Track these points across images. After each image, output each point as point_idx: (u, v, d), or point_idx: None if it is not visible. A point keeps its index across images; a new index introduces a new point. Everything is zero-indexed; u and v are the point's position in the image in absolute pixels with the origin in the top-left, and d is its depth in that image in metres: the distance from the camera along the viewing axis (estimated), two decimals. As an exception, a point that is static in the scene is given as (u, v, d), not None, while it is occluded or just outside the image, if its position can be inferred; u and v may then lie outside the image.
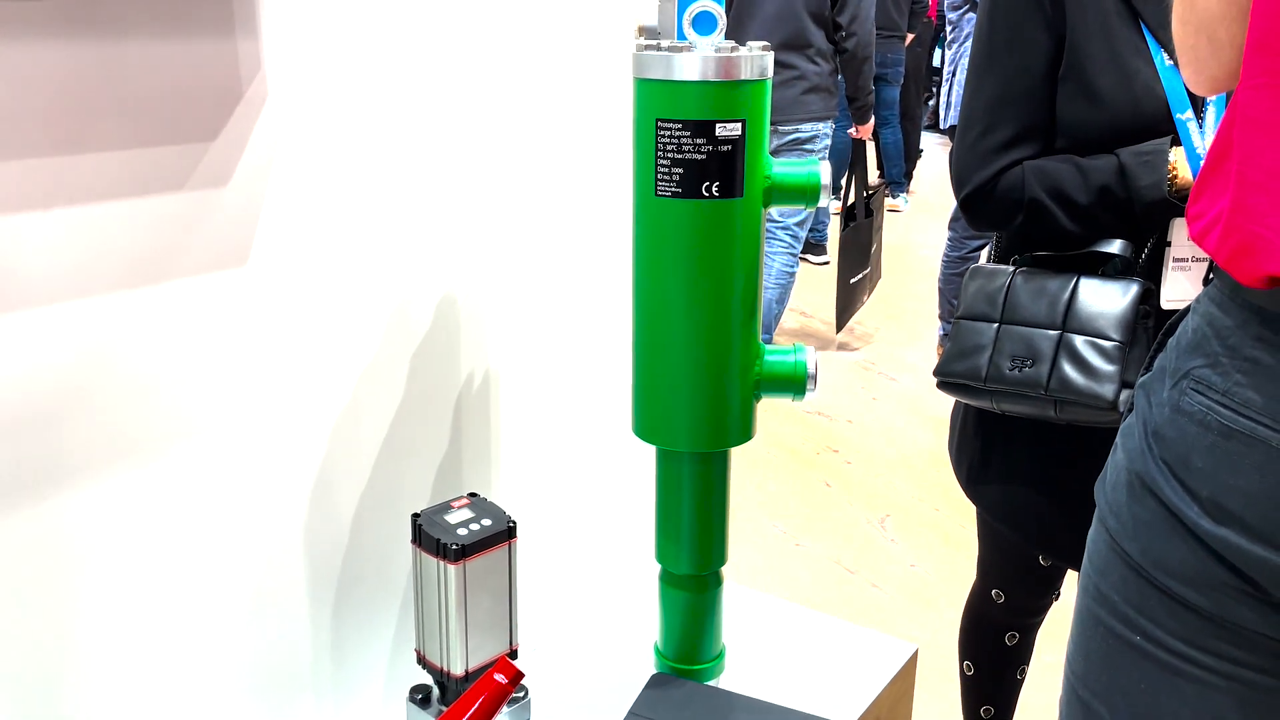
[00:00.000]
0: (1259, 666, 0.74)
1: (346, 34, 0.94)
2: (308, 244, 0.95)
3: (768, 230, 3.87)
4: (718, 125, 0.92)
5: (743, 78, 0.92)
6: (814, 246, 5.65)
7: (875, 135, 7.06)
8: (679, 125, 0.93)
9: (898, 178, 6.94)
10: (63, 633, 0.84)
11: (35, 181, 0.76)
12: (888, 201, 7.10)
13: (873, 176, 7.61)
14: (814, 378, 1.03)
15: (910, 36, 6.39)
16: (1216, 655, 0.75)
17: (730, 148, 0.93)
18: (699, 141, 0.93)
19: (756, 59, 0.93)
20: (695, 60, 0.91)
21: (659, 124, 0.94)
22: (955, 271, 3.80)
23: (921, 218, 6.75)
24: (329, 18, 0.92)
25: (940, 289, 4.02)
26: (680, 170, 0.94)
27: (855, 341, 4.49)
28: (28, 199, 0.76)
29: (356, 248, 0.99)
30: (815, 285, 5.29)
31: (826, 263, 5.66)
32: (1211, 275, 0.77)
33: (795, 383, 1.03)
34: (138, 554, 0.88)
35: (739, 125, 0.93)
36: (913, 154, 7.14)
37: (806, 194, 0.99)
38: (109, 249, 0.81)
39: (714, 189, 0.94)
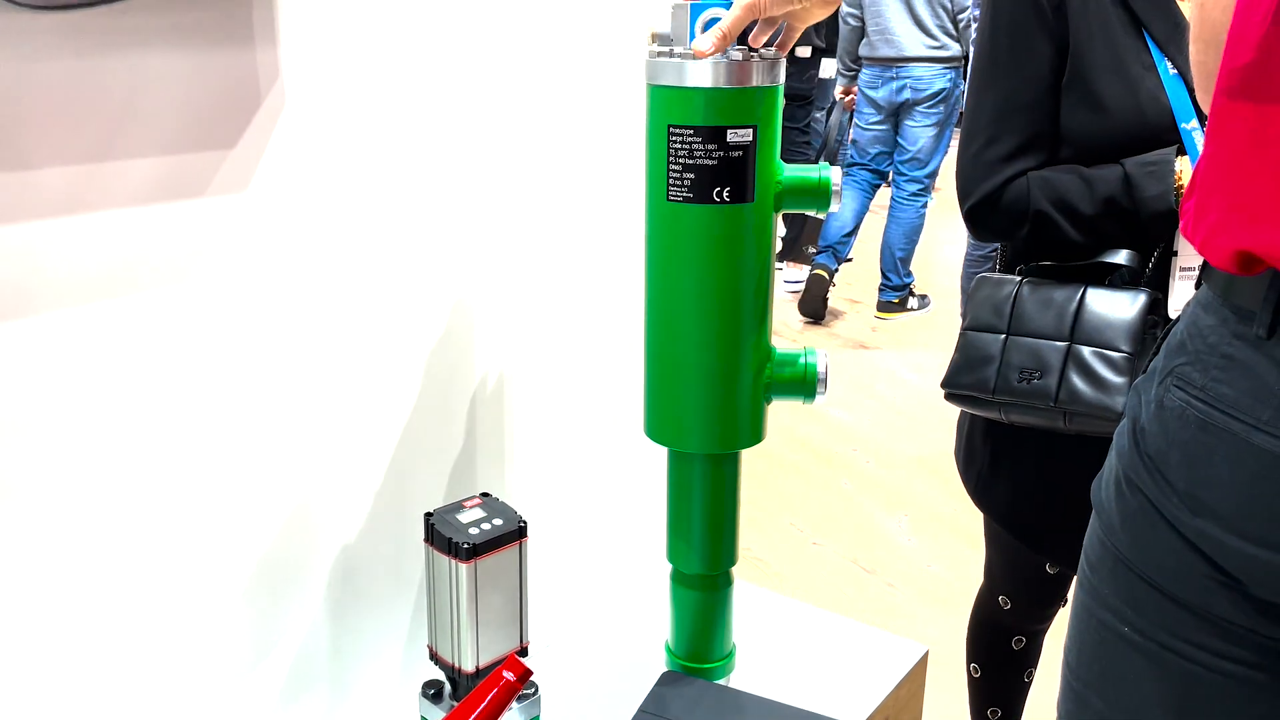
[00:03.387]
0: (1241, 659, 0.75)
1: (362, 43, 0.96)
2: (324, 247, 0.97)
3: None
4: (729, 131, 0.93)
5: (754, 84, 0.93)
6: (836, 244, 5.62)
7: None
8: (690, 131, 0.94)
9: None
10: (86, 627, 0.86)
11: (61, 188, 0.78)
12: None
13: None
14: (824, 381, 1.03)
15: None
16: (1200, 647, 0.76)
17: (741, 153, 0.94)
18: (710, 147, 0.94)
19: (768, 65, 0.94)
20: (707, 66, 0.92)
21: (671, 129, 0.95)
22: (977, 270, 3.80)
23: (946, 214, 6.69)
24: (345, 28, 0.94)
25: (963, 288, 4.00)
26: (691, 175, 0.95)
27: (876, 340, 4.48)
28: (55, 205, 0.78)
29: (372, 251, 1.01)
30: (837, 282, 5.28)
31: (849, 259, 5.63)
32: (1200, 280, 0.78)
33: (805, 386, 1.03)
34: (160, 551, 0.89)
35: (750, 131, 0.94)
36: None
37: (818, 198, 1.00)
38: (133, 253, 0.83)
39: (725, 194, 0.95)
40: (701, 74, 0.92)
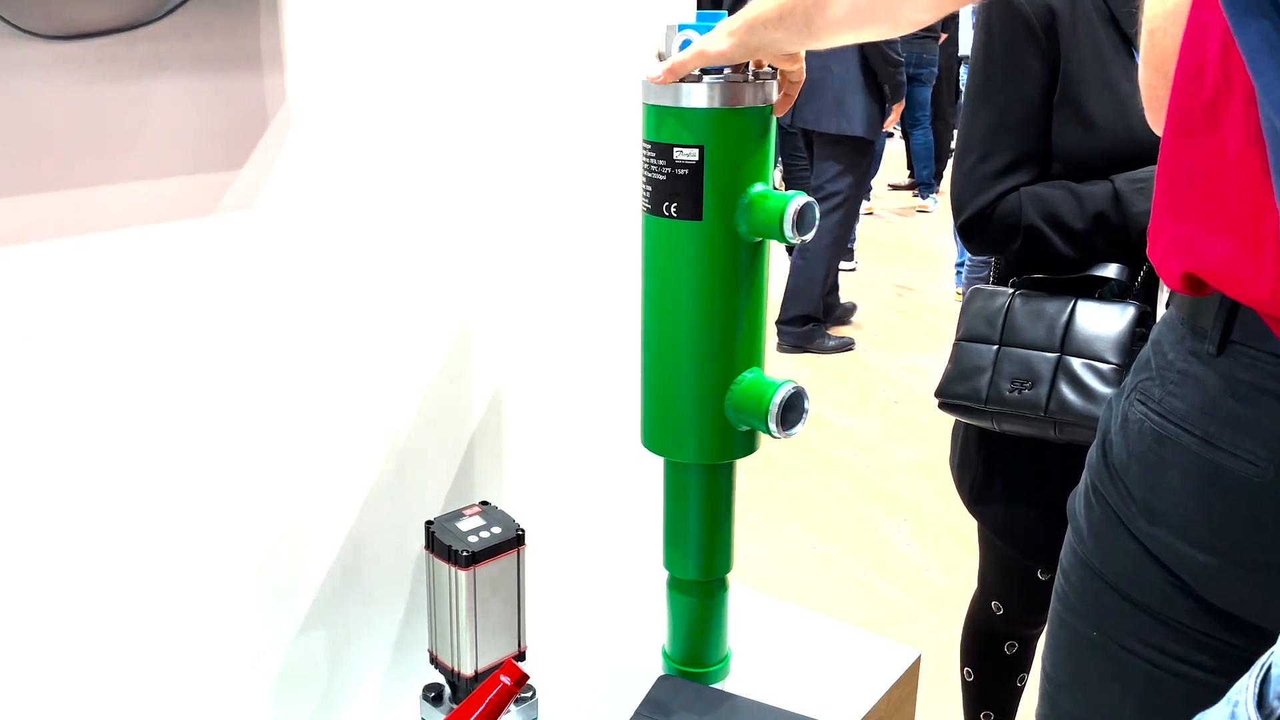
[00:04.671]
0: (1201, 664, 0.78)
1: (365, 67, 0.98)
2: (328, 262, 0.99)
3: None
4: (675, 149, 0.96)
5: (700, 105, 0.95)
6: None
7: (906, 136, 7.04)
8: (648, 146, 0.99)
9: (927, 179, 6.89)
10: (90, 632, 0.88)
11: (73, 210, 0.81)
12: (917, 202, 7.09)
13: (903, 177, 7.60)
14: (778, 420, 0.97)
15: (944, 36, 6.33)
16: (1161, 651, 0.79)
17: (687, 172, 0.96)
18: (660, 163, 0.98)
19: (718, 89, 0.94)
20: (662, 86, 0.95)
21: (642, 143, 1.00)
22: (978, 276, 3.82)
23: (950, 219, 6.69)
24: (349, 53, 0.96)
25: (963, 294, 4.01)
26: (649, 188, 0.99)
27: (878, 345, 4.49)
28: (72, 224, 0.81)
29: (373, 265, 1.03)
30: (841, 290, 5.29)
31: (853, 269, 5.63)
32: (1169, 301, 0.82)
33: (759, 416, 0.98)
34: (164, 559, 0.92)
35: (696, 151, 0.96)
36: (944, 154, 7.00)
37: (772, 229, 0.96)
38: (145, 270, 0.86)
39: (672, 209, 0.98)
40: (657, 93, 0.97)
